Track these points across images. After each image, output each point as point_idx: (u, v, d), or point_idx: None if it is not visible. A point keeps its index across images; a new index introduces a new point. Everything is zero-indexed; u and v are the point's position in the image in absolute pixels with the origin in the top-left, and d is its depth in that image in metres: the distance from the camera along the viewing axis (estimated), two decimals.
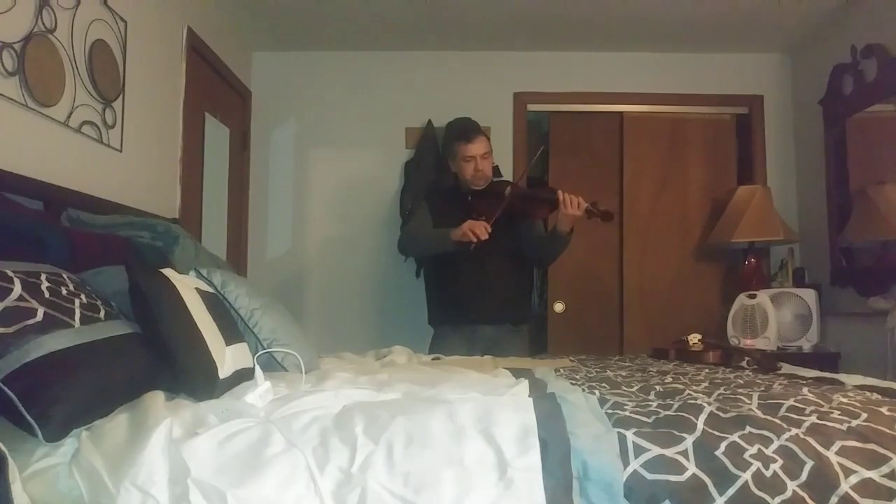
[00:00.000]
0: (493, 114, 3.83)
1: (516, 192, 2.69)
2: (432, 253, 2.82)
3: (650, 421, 1.14)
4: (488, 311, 2.74)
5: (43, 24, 1.94)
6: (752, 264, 3.48)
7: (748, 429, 1.11)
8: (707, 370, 1.97)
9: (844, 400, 1.30)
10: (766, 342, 3.17)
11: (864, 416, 1.17)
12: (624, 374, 1.84)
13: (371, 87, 3.89)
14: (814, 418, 1.16)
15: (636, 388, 1.51)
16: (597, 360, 2.34)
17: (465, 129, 2.78)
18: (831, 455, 1.06)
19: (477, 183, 2.74)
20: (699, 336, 2.39)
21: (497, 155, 3.79)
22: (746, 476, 1.03)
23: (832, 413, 1.19)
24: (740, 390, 1.44)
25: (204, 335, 1.40)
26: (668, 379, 1.70)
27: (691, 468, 1.04)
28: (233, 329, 1.63)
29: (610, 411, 1.18)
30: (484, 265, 2.68)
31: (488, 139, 2.81)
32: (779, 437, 1.09)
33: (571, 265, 3.91)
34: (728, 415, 1.16)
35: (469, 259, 2.64)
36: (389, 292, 3.78)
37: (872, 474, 1.04)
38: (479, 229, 2.54)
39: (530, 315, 2.99)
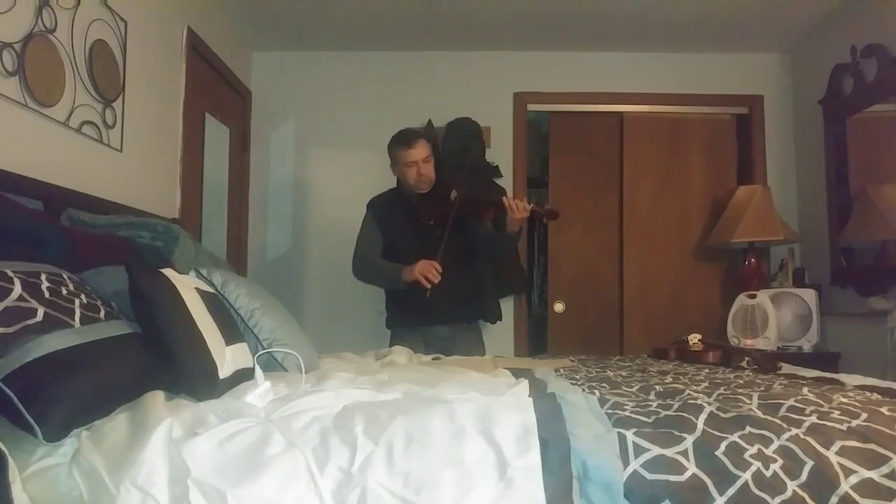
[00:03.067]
0: (493, 114, 3.83)
1: (464, 197, 2.71)
2: (384, 287, 2.88)
3: (650, 421, 1.14)
4: (442, 311, 2.74)
5: (43, 24, 1.93)
6: (752, 264, 3.48)
7: (748, 429, 1.11)
8: (707, 370, 1.97)
9: (844, 400, 1.30)
10: (766, 342, 3.17)
11: (864, 416, 1.17)
12: (624, 374, 1.84)
13: (371, 87, 3.89)
14: (814, 418, 1.16)
15: (636, 388, 1.51)
16: (597, 360, 2.34)
17: (406, 135, 2.77)
18: (831, 455, 1.06)
19: (420, 187, 2.74)
20: (699, 336, 2.39)
21: (497, 155, 3.84)
22: (746, 476, 1.03)
23: (832, 413, 1.19)
24: (740, 390, 1.44)
25: (204, 335, 1.40)
26: (668, 379, 1.70)
27: (691, 468, 1.04)
28: (233, 329, 1.63)
29: (610, 411, 1.18)
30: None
31: (429, 143, 2.79)
32: (779, 437, 1.09)
33: (571, 265, 3.93)
34: (728, 415, 1.16)
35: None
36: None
37: (872, 474, 1.04)
38: (431, 274, 2.57)
39: (484, 312, 3.02)
